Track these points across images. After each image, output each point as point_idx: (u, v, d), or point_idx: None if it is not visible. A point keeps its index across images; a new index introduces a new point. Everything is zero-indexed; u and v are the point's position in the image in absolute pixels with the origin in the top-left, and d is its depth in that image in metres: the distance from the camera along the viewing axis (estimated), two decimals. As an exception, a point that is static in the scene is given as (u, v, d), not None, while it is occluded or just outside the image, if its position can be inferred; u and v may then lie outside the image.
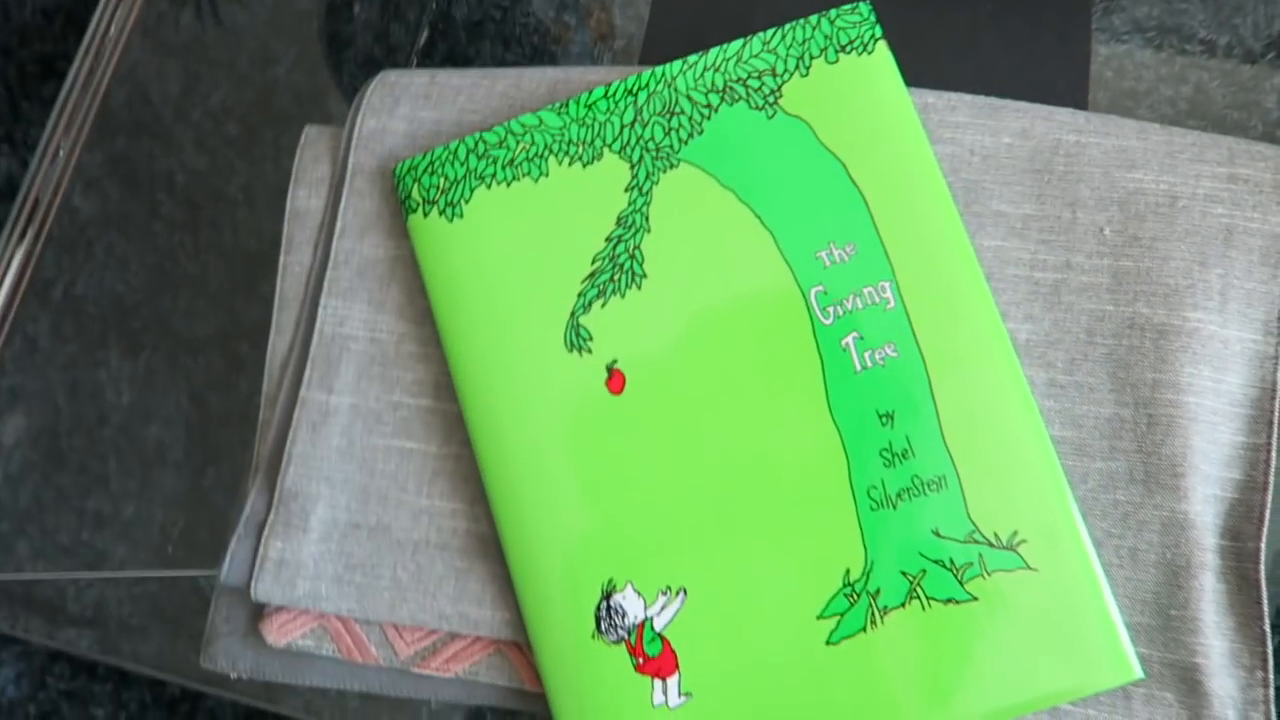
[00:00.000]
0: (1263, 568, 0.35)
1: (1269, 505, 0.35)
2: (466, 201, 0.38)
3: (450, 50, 0.47)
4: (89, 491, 0.43)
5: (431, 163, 0.38)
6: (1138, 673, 0.33)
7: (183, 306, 0.45)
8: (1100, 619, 0.33)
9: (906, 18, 0.43)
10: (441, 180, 0.38)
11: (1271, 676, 0.34)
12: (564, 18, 0.47)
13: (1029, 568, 0.33)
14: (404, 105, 0.41)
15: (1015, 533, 0.34)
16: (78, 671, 0.51)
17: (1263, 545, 0.35)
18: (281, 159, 0.47)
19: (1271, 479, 0.35)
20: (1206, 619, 0.34)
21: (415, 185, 0.38)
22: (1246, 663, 0.34)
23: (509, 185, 0.38)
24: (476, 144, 0.38)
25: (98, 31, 0.50)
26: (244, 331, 0.44)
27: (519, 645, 0.37)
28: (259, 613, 0.38)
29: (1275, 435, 0.35)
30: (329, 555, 0.37)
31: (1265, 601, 0.34)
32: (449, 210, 0.38)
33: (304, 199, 0.41)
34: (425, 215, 0.38)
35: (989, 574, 0.33)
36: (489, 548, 0.37)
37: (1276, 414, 0.36)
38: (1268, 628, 0.34)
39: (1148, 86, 0.43)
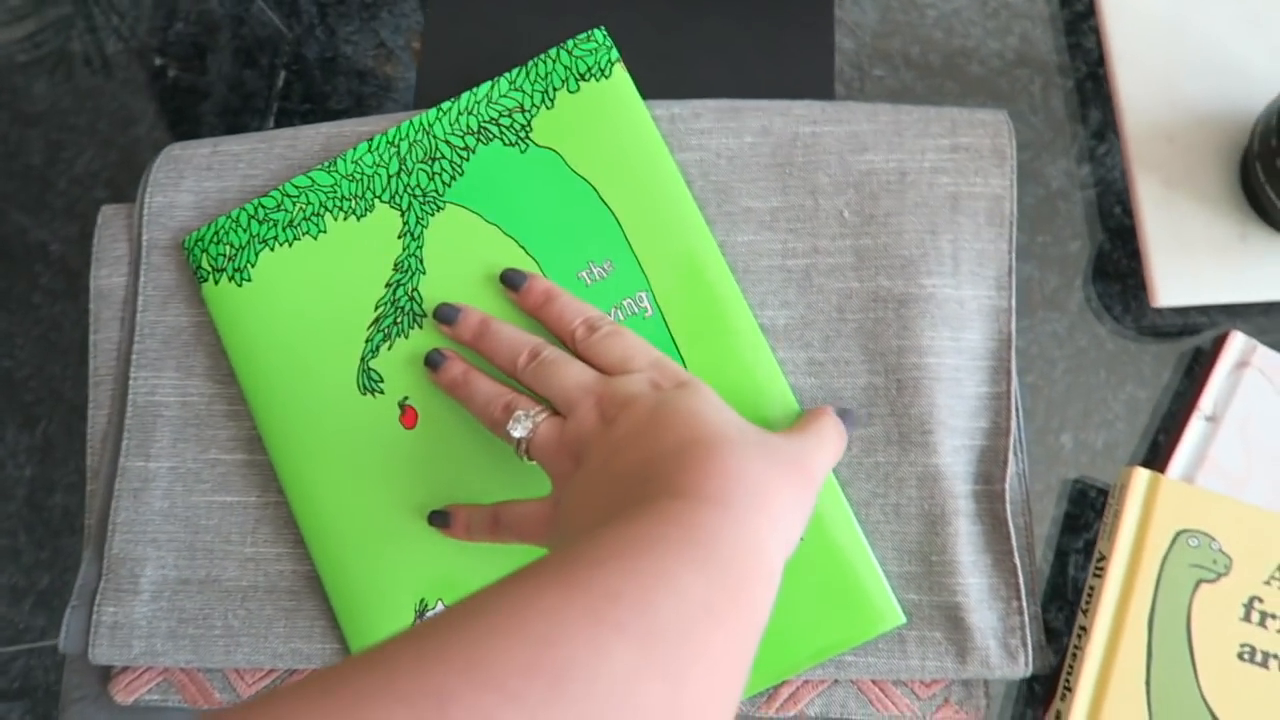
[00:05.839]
0: (1009, 506, 0.37)
1: (1011, 448, 0.38)
2: (253, 265, 0.40)
3: (307, 90, 0.48)
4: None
5: (216, 232, 0.40)
6: (901, 618, 0.36)
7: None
8: (867, 575, 0.36)
9: (658, 31, 0.46)
10: (227, 248, 0.40)
11: (1026, 605, 0.37)
12: (414, 44, 0.48)
13: (801, 539, 0.36)
14: (189, 178, 0.43)
15: (786, 505, 0.36)
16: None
17: (1008, 486, 0.37)
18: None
19: (1014, 423, 0.38)
20: (964, 560, 0.37)
21: (204, 255, 0.40)
22: (1003, 594, 0.37)
23: (290, 245, 0.40)
24: (256, 209, 0.40)
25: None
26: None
27: (358, 670, 0.39)
28: (107, 675, 0.40)
29: (1014, 382, 0.38)
30: (161, 613, 0.39)
31: (1014, 537, 0.37)
32: (237, 276, 0.40)
33: (106, 278, 0.43)
34: (216, 283, 0.40)
35: (768, 546, 0.36)
36: (315, 584, 0.39)
37: (1013, 362, 0.38)
38: (1018, 561, 0.37)
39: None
